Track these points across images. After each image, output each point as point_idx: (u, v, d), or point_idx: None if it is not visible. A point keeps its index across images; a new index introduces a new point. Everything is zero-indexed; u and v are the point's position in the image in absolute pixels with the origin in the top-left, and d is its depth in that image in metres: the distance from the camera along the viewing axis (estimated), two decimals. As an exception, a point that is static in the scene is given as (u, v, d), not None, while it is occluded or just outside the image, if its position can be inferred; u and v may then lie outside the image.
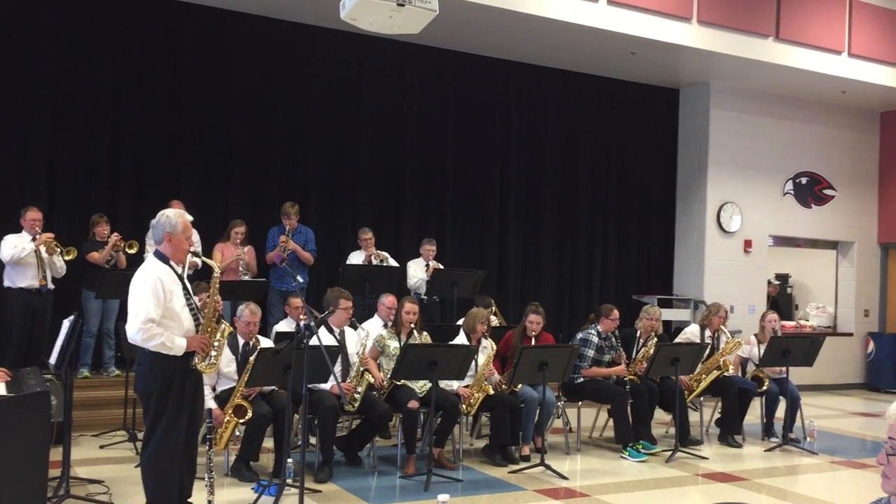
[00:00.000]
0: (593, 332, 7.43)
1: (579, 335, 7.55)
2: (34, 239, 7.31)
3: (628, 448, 7.15)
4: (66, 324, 5.40)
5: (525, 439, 6.87)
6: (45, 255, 7.36)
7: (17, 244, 7.24)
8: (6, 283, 7.35)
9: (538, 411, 6.92)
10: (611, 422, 7.56)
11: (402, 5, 5.05)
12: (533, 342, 7.05)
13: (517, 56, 10.60)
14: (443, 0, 5.68)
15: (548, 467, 6.41)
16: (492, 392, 6.69)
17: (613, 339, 7.52)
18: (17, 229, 7.38)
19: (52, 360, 5.39)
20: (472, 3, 8.48)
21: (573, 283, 11.52)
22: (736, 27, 10.15)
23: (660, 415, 7.94)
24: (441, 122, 10.61)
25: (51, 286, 7.48)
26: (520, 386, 6.91)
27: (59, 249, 7.44)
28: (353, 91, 10.04)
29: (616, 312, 7.52)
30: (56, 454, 5.11)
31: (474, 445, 7.35)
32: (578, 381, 7.34)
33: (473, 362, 6.63)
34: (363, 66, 10.00)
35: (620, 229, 11.85)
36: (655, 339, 7.77)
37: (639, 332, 7.89)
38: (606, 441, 7.73)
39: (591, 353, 7.35)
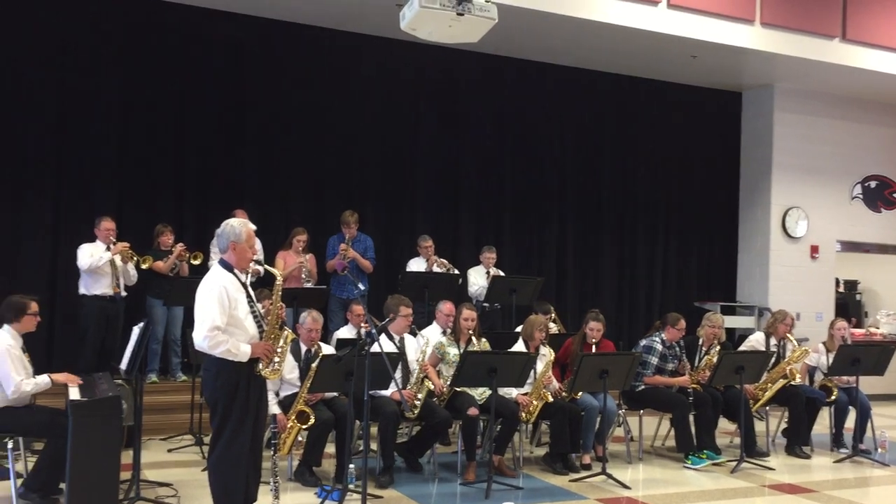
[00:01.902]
0: (657, 339, 7.33)
1: (643, 342, 7.46)
2: (109, 248, 7.55)
3: (690, 455, 7.03)
4: (135, 330, 5.56)
5: (585, 448, 6.81)
6: (119, 263, 7.60)
7: (94, 253, 7.49)
8: (81, 291, 7.59)
9: (599, 419, 6.86)
10: (673, 431, 7.45)
11: (462, 14, 5.08)
12: (593, 349, 6.99)
13: (574, 61, 10.55)
14: (500, 7, 5.69)
15: (609, 476, 6.34)
16: (551, 399, 6.65)
17: (677, 349, 7.41)
18: (92, 239, 7.63)
19: (123, 365, 5.55)
20: (530, 9, 8.48)
21: (633, 290, 11.40)
22: (801, 28, 9.93)
23: (724, 424, 7.79)
24: (498, 129, 10.63)
25: (123, 294, 7.71)
26: (580, 394, 6.87)
27: (134, 258, 7.68)
28: (409, 99, 10.14)
29: (683, 322, 7.41)
30: (126, 457, 5.26)
31: (534, 453, 7.32)
32: (640, 388, 7.25)
33: (532, 370, 6.61)
34: (419, 73, 10.07)
35: (681, 235, 11.69)
36: (718, 347, 7.63)
37: (701, 340, 7.75)
38: (669, 450, 7.62)
39: (654, 360, 7.26)
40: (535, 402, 6.59)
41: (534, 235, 10.84)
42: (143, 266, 7.75)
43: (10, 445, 5.22)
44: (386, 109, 10.00)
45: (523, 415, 6.56)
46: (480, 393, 6.52)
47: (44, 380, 5.32)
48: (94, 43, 8.65)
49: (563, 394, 6.83)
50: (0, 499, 5.34)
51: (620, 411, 7.44)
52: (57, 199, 8.51)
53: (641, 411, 7.39)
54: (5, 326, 5.37)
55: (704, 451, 7.09)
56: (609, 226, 11.23)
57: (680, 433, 7.19)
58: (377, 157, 9.99)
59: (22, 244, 8.34)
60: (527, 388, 6.66)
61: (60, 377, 5.41)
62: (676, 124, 11.57)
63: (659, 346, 7.29)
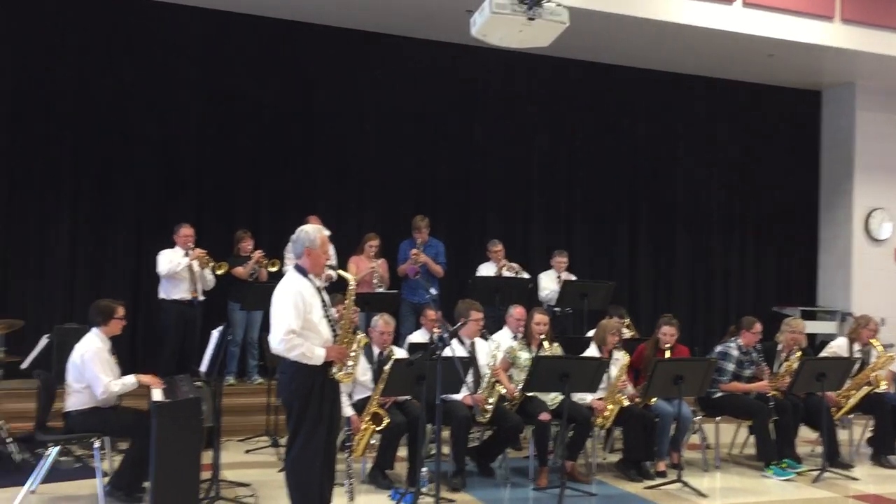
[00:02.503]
0: (733, 345, 7.17)
1: (718, 348, 7.30)
2: (187, 254, 7.78)
3: (772, 466, 6.85)
4: (214, 334, 5.71)
5: (660, 454, 6.70)
6: (196, 269, 7.82)
7: (173, 259, 7.73)
8: (161, 295, 7.84)
9: (673, 426, 6.74)
10: (751, 439, 7.27)
11: (533, 19, 5.07)
12: (667, 355, 6.88)
13: (646, 63, 10.41)
14: (571, 10, 5.65)
15: (685, 484, 6.22)
16: (627, 403, 6.57)
17: (755, 354, 7.22)
18: (171, 245, 7.86)
19: (203, 368, 5.71)
20: (602, 12, 8.41)
21: (709, 294, 11.18)
22: (882, 24, 9.59)
23: (804, 433, 7.55)
24: (568, 132, 10.58)
25: (201, 298, 7.92)
26: (654, 400, 6.76)
27: (211, 264, 7.89)
28: (479, 103, 10.18)
29: (758, 326, 7.23)
30: (206, 458, 5.39)
31: (607, 459, 7.23)
32: (716, 395, 7.10)
33: (605, 375, 6.54)
34: (489, 78, 10.11)
35: (759, 237, 11.42)
36: (799, 353, 7.41)
37: (780, 346, 7.55)
38: (747, 458, 7.43)
39: (730, 367, 7.09)
40: (610, 407, 6.52)
41: (606, 239, 10.74)
42: (218, 272, 7.93)
43: (96, 445, 5.42)
44: (456, 114, 10.05)
45: (599, 420, 6.49)
46: (552, 398, 6.48)
47: (130, 380, 5.52)
48: (174, 57, 8.94)
49: (637, 399, 6.74)
50: (88, 496, 5.55)
51: (696, 418, 7.29)
52: (139, 207, 8.81)
53: (718, 418, 7.23)
54: (94, 330, 5.59)
55: (784, 461, 6.90)
56: (683, 228, 11.04)
57: (761, 441, 7.01)
58: (447, 162, 10.05)
59: (107, 251, 8.68)
60: (601, 394, 6.59)
61: (146, 378, 5.60)
62: (753, 125, 11.32)
63: (735, 352, 7.12)
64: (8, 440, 6.27)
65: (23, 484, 5.41)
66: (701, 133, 11.13)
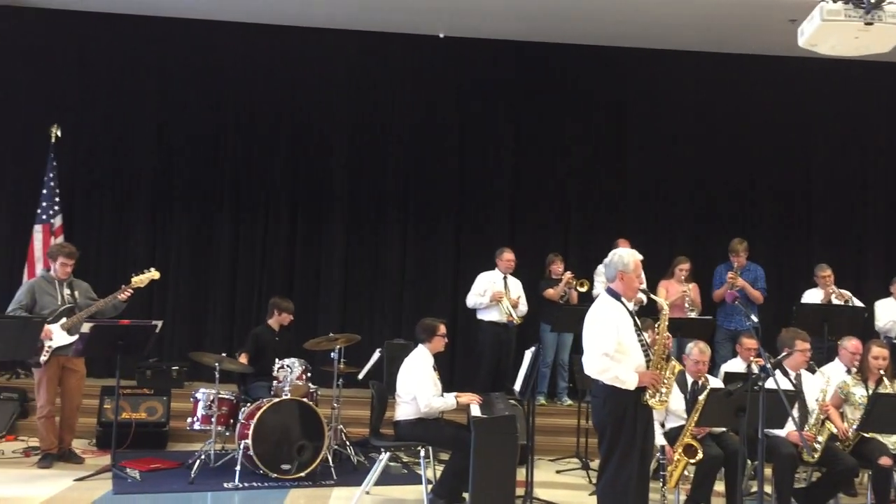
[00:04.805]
0: None
1: None
2: (505, 277, 8.12)
3: None
4: (528, 354, 5.90)
5: None
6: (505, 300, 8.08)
7: (486, 287, 8.08)
8: (479, 316, 8.27)
9: None
10: None
11: (871, 24, 4.62)
12: None
13: None
14: (915, 8, 5.07)
15: None
16: None
17: None
18: (490, 267, 8.24)
19: (517, 386, 5.91)
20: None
21: None
22: None
23: None
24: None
25: (516, 321, 8.21)
26: None
27: (511, 311, 8.04)
28: (804, 116, 9.55)
29: None
30: (519, 474, 5.56)
31: (965, 517, 6.29)
32: None
33: (963, 419, 5.71)
34: (815, 90, 9.41)
35: None
36: None
37: None
38: None
39: None
40: (966, 458, 5.69)
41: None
42: (517, 317, 8.05)
43: (422, 453, 5.82)
44: (777, 131, 9.52)
45: (953, 471, 5.69)
46: (895, 441, 5.80)
47: (450, 400, 5.86)
48: (488, 87, 9.48)
49: None
50: (413, 501, 5.99)
51: None
52: (457, 232, 9.42)
53: None
54: (420, 346, 6.03)
55: None
56: None
57: None
58: (768, 182, 9.54)
59: (429, 272, 9.36)
60: (955, 441, 5.77)
61: (464, 398, 5.91)
62: None
63: None
64: (348, 444, 6.98)
65: (359, 484, 5.97)
66: None
